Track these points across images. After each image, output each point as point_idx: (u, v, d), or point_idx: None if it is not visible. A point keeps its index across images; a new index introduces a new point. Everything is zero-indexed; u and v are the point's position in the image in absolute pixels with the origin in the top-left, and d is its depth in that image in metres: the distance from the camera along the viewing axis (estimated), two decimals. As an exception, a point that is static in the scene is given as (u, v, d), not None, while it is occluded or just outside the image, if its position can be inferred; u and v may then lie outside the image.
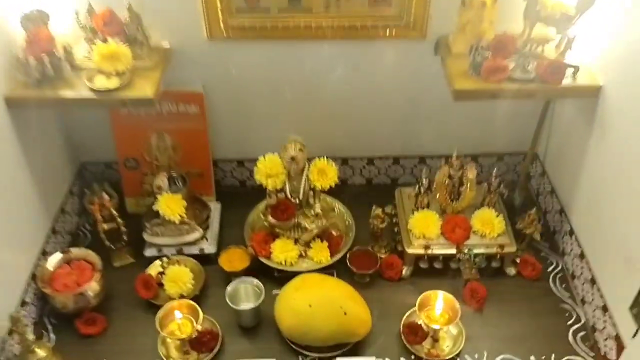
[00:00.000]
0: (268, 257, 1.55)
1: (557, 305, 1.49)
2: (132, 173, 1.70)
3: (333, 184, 1.50)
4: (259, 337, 1.44)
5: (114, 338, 1.44)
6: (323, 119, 1.66)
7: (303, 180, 1.50)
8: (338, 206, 1.65)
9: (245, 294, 1.46)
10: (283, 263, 1.53)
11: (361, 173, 1.83)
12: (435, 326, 1.36)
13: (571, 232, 1.54)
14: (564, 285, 1.54)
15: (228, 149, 1.76)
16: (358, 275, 1.53)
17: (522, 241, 1.57)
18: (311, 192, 1.54)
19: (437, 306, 1.40)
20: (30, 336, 1.29)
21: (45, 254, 1.50)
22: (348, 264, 1.52)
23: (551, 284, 1.54)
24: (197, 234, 1.58)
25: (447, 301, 1.39)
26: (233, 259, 1.56)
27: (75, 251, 1.49)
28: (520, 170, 1.76)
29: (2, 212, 1.34)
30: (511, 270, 1.56)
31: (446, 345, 1.40)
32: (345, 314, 1.34)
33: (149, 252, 1.59)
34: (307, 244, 1.56)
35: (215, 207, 1.72)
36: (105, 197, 1.51)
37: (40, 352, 1.32)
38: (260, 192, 1.63)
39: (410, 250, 1.53)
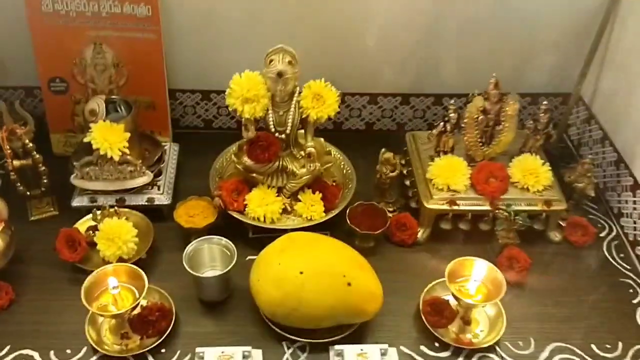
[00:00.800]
0: (241, 212, 1.16)
1: (616, 278, 1.15)
2: (59, 99, 1.27)
3: (333, 114, 1.12)
4: (227, 317, 1.05)
5: (23, 315, 1.03)
6: (314, 40, 1.28)
7: (292, 108, 1.11)
8: (334, 151, 1.27)
9: (210, 258, 1.07)
10: (261, 219, 1.14)
11: (360, 115, 1.45)
12: (469, 300, 1.00)
13: (634, 188, 1.20)
14: (621, 255, 1.20)
15: (190, 76, 1.36)
16: (360, 238, 1.15)
17: (569, 199, 1.22)
18: (301, 127, 1.15)
19: (474, 277, 1.04)
20: None
21: None
22: (348, 222, 1.15)
23: (606, 253, 1.20)
24: (144, 178, 1.17)
25: (488, 271, 1.03)
26: (193, 214, 1.16)
27: (-29, 195, 1.07)
28: (564, 115, 1.41)
29: None
30: (556, 235, 1.21)
31: (480, 330, 1.04)
32: (348, 284, 0.96)
33: (77, 202, 1.18)
34: (295, 195, 1.18)
35: (171, 149, 1.31)
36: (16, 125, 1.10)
37: None
38: (232, 136, 1.25)
39: (430, 205, 1.16)
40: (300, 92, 1.11)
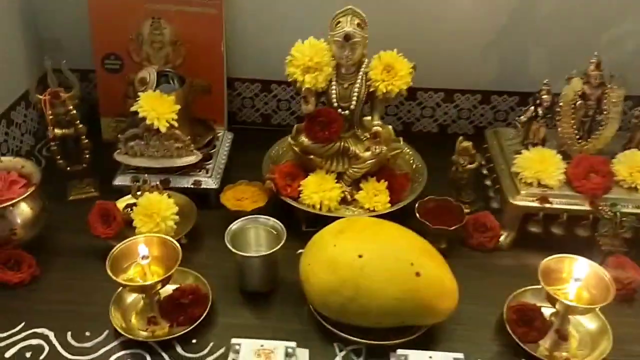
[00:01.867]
0: (295, 198, 1.02)
1: None
2: (113, 79, 1.20)
3: (405, 88, 0.98)
4: (270, 310, 0.89)
5: (43, 292, 0.91)
6: (385, 25, 1.16)
7: (359, 80, 0.99)
8: (402, 143, 1.12)
9: (256, 241, 0.93)
10: (317, 207, 1.00)
11: (433, 115, 1.30)
12: (571, 303, 0.80)
13: None
14: None
15: (250, 63, 1.27)
16: (432, 236, 0.98)
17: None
18: (367, 103, 1.02)
19: (574, 276, 0.84)
20: None
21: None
22: (418, 216, 0.98)
23: None
24: (191, 157, 1.06)
25: (591, 271, 0.84)
26: (242, 197, 1.03)
27: (8, 160, 0.99)
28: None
29: None
30: (670, 246, 0.99)
31: (579, 348, 0.84)
32: (417, 274, 0.79)
33: (119, 181, 1.08)
34: (356, 184, 1.03)
35: (225, 136, 1.21)
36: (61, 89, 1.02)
37: None
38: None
39: (516, 202, 0.98)
40: (368, 62, 0.99)
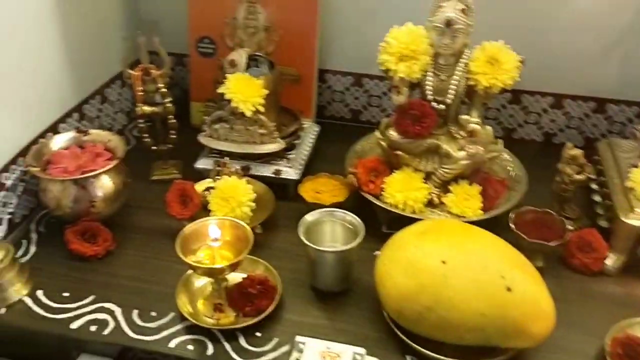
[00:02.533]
0: (377, 196, 0.95)
1: None
2: (205, 63, 1.20)
3: (509, 83, 0.89)
4: (341, 311, 0.83)
5: (116, 267, 0.90)
6: (493, 16, 1.07)
7: (459, 72, 0.91)
8: (501, 146, 1.02)
9: (332, 236, 0.87)
10: (400, 207, 0.93)
11: (538, 122, 1.19)
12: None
13: None
14: None
15: (344, 56, 1.22)
16: (527, 252, 0.87)
17: None
18: (465, 99, 0.93)
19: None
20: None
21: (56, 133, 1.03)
22: (513, 227, 0.89)
23: None
24: (274, 145, 1.03)
25: None
26: (321, 190, 0.98)
27: (96, 133, 1.00)
28: None
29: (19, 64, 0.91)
30: None
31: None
32: (508, 289, 0.70)
33: (201, 164, 1.06)
34: (445, 186, 0.95)
35: (310, 128, 1.17)
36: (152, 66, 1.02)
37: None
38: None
39: (629, 220, 0.86)
40: (470, 55, 0.91)
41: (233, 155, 1.03)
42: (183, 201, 0.94)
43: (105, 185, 0.92)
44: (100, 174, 0.91)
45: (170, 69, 1.04)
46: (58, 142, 0.97)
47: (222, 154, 1.05)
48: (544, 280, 0.75)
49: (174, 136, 1.06)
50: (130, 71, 1.00)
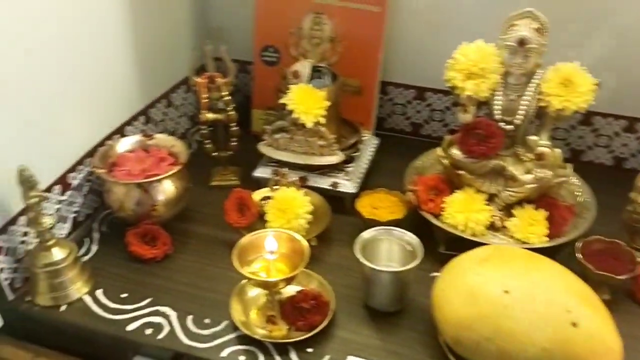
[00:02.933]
0: (437, 215, 0.93)
1: None
2: (268, 71, 1.20)
3: (584, 106, 0.85)
4: (395, 333, 0.81)
5: (173, 272, 0.92)
6: (569, 35, 1.03)
7: (530, 92, 0.87)
8: (570, 170, 0.98)
9: (388, 255, 0.85)
10: (460, 228, 0.90)
11: (608, 145, 1.14)
12: None
13: None
14: None
15: (406, 68, 1.20)
16: (593, 282, 0.83)
17: None
18: (535, 120, 0.90)
19: None
20: (47, 221, 0.82)
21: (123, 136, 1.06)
22: (580, 257, 0.84)
23: None
24: (333, 157, 1.02)
25: None
26: (378, 206, 0.97)
27: (161, 138, 1.02)
28: None
29: (94, 68, 0.94)
30: None
31: None
32: (573, 324, 0.67)
33: (259, 172, 1.06)
34: (509, 209, 0.92)
35: (370, 141, 1.15)
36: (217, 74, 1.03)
37: (57, 254, 0.85)
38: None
39: None
40: (542, 75, 0.87)
41: (291, 166, 1.03)
42: (240, 209, 0.95)
43: (167, 189, 0.94)
44: (163, 178, 0.92)
45: (235, 77, 1.05)
46: (124, 144, 0.99)
47: (280, 163, 1.05)
48: (611, 313, 0.72)
49: (235, 143, 1.07)
50: (196, 78, 1.02)
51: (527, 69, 0.86)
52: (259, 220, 0.95)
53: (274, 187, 0.97)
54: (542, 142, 0.87)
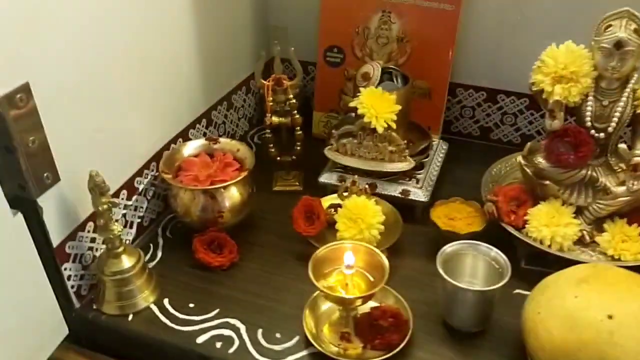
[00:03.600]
0: (519, 228, 0.87)
1: None
2: (332, 72, 1.16)
3: (687, 114, 0.78)
4: (478, 355, 0.76)
5: (240, 282, 0.88)
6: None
7: (624, 98, 0.81)
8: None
9: (471, 271, 0.80)
10: (545, 242, 0.84)
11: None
12: None
13: None
14: None
15: (478, 69, 1.14)
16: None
17: None
18: (629, 128, 0.83)
19: None
20: (117, 227, 0.80)
21: (186, 139, 1.03)
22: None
23: None
24: (404, 164, 0.97)
25: None
26: (454, 217, 0.92)
27: (225, 142, 0.99)
28: None
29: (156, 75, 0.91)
30: None
31: None
32: (690, 358, 0.61)
33: (325, 178, 1.02)
34: (598, 223, 0.85)
35: (439, 146, 1.10)
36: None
37: (125, 261, 0.82)
38: (511, 152, 1.01)
39: None
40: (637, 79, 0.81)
41: (359, 172, 0.99)
42: (309, 217, 0.91)
43: (233, 196, 0.91)
44: (229, 185, 0.89)
45: (301, 80, 1.01)
46: (189, 149, 0.97)
47: (347, 169, 1.01)
48: None
49: (299, 147, 1.03)
50: (263, 81, 0.98)
51: (623, 73, 0.80)
52: (328, 229, 0.91)
53: (344, 194, 0.92)
54: (637, 152, 0.81)
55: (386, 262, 0.75)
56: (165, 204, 0.99)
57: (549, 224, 0.85)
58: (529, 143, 0.94)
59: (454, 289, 0.75)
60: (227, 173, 0.92)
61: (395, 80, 1.00)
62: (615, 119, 0.81)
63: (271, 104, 0.99)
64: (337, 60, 1.16)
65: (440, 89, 1.12)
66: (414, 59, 1.09)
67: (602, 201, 0.84)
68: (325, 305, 0.82)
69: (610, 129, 0.82)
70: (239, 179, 0.90)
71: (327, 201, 0.96)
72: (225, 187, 0.89)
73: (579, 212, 0.86)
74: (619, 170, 0.83)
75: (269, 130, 1.02)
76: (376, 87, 0.96)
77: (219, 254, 0.90)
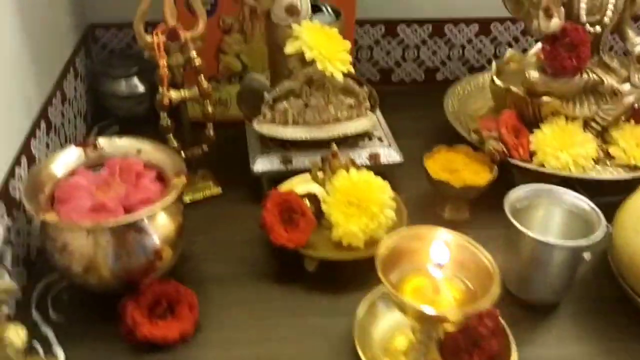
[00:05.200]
0: (527, 159, 0.72)
1: None
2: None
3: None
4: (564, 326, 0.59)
5: (215, 349, 0.56)
6: None
7: (615, -20, 0.70)
8: None
9: (545, 225, 0.61)
10: (572, 169, 0.70)
11: None
12: None
13: None
14: None
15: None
16: None
17: None
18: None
19: None
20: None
21: (30, 158, 0.62)
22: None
23: None
24: (366, 120, 0.73)
25: None
26: (454, 169, 0.71)
27: (111, 144, 0.61)
28: None
29: None
30: None
31: None
32: None
33: (262, 165, 0.72)
34: (602, 133, 0.74)
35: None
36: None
37: None
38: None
39: None
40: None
41: (303, 145, 0.72)
42: (289, 219, 0.62)
43: (164, 222, 0.56)
44: (161, 204, 0.54)
45: (204, 26, 0.67)
46: (58, 166, 0.57)
47: (285, 145, 0.73)
48: None
49: (212, 132, 0.71)
50: (148, 37, 0.63)
51: (615, -49, 0.68)
52: (320, 225, 0.63)
53: (319, 174, 0.65)
54: (638, 41, 0.71)
55: (489, 256, 0.51)
56: (36, 268, 0.58)
57: (563, 147, 0.70)
58: (494, 62, 0.79)
59: (541, 247, 0.55)
60: (145, 188, 0.57)
61: (326, 10, 0.74)
62: (611, 7, 0.70)
63: (166, 71, 0.65)
64: (206, 7, 0.84)
65: (347, 25, 0.89)
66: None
67: (608, 105, 0.73)
68: (380, 330, 0.55)
69: (606, 20, 0.71)
70: (175, 192, 0.55)
71: (296, 185, 0.67)
72: (153, 210, 0.54)
73: (585, 126, 0.73)
74: (618, 66, 0.73)
75: (165, 114, 0.67)
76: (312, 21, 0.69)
77: (172, 318, 0.55)
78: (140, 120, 0.87)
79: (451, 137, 0.77)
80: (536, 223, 0.60)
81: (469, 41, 0.99)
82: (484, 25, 0.98)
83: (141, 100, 0.87)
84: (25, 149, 0.61)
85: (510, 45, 1.00)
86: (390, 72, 1.01)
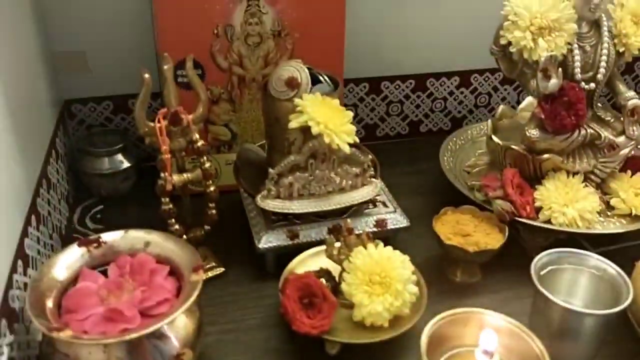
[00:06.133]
0: (534, 217, 0.71)
1: None
2: (187, 96, 0.78)
3: (664, 43, 0.73)
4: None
5: None
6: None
7: (605, 39, 0.71)
8: None
9: (567, 289, 0.60)
10: (579, 224, 0.70)
11: None
12: None
13: None
14: None
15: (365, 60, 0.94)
16: None
17: None
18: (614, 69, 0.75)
19: None
20: None
21: (25, 260, 0.57)
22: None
23: None
24: (371, 187, 0.71)
25: None
26: (466, 233, 0.70)
27: (116, 239, 0.57)
28: None
29: None
30: None
31: None
32: None
33: (269, 241, 0.68)
34: (600, 185, 0.75)
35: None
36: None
37: None
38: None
39: None
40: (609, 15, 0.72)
41: (308, 218, 0.70)
42: (310, 304, 0.59)
43: (186, 320, 0.52)
44: (177, 310, 0.50)
45: (206, 107, 0.65)
46: (60, 270, 0.53)
47: (288, 219, 0.70)
48: None
49: (214, 212, 0.68)
50: (150, 123, 0.60)
51: (602, 10, 0.70)
52: (341, 305, 0.60)
53: (338, 251, 0.62)
54: (630, 95, 0.73)
55: (540, 345, 0.49)
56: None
57: (568, 202, 0.71)
58: (489, 120, 0.79)
59: (569, 316, 0.54)
60: (161, 287, 0.53)
61: (324, 79, 0.73)
62: (604, 64, 0.72)
63: (168, 155, 0.61)
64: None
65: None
66: (298, 56, 0.83)
67: (605, 158, 0.74)
68: None
69: (600, 77, 0.72)
70: (196, 292, 0.51)
71: (308, 265, 0.65)
72: (174, 315, 0.50)
73: (585, 179, 0.74)
74: (611, 120, 0.74)
75: (167, 200, 0.64)
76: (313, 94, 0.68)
77: None
78: (125, 198, 0.83)
79: (448, 193, 0.77)
80: (562, 287, 0.60)
81: (451, 93, 1.01)
82: (465, 77, 1.00)
83: (126, 176, 0.83)
84: (19, 251, 0.56)
85: (489, 95, 1.02)
86: (375, 127, 1.01)
